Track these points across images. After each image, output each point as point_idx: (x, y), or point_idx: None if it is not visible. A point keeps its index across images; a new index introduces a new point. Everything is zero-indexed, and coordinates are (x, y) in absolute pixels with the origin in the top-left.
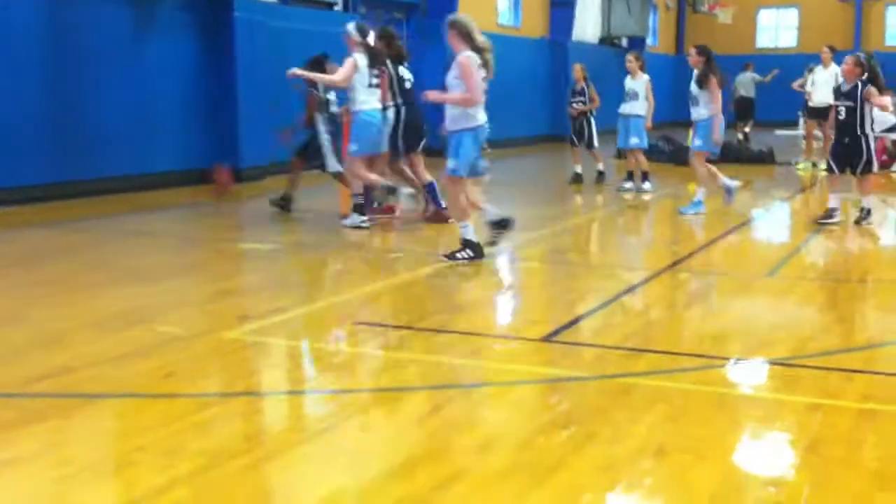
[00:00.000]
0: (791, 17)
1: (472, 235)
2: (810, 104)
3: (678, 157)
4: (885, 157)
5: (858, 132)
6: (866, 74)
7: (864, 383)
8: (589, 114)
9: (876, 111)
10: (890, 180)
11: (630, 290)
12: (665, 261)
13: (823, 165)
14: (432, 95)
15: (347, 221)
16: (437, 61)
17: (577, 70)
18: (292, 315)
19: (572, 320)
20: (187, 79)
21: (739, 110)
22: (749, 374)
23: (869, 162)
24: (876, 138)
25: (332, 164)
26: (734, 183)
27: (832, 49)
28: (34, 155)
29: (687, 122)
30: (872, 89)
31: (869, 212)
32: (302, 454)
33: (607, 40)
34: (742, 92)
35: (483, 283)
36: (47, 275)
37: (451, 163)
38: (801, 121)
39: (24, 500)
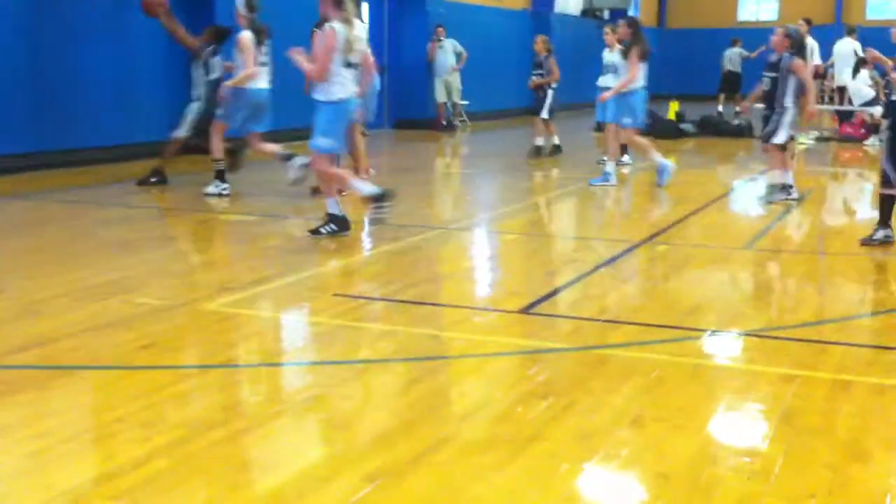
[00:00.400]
0: None
1: (335, 209)
2: None
3: (660, 129)
4: (862, 131)
5: (778, 103)
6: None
7: (839, 355)
8: (548, 86)
9: (858, 86)
10: (866, 154)
11: (608, 262)
12: (643, 233)
13: (802, 138)
14: (294, 54)
15: (210, 189)
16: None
17: (539, 42)
18: (272, 286)
19: (551, 292)
20: (168, 50)
21: (726, 84)
22: (725, 346)
23: (772, 132)
24: (854, 112)
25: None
26: (669, 163)
27: (808, 22)
28: (13, 124)
29: (668, 95)
30: (798, 61)
31: (783, 188)
32: (281, 425)
33: (590, 13)
34: (729, 67)
35: (462, 255)
36: (26, 245)
37: (313, 139)
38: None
39: (2, 473)
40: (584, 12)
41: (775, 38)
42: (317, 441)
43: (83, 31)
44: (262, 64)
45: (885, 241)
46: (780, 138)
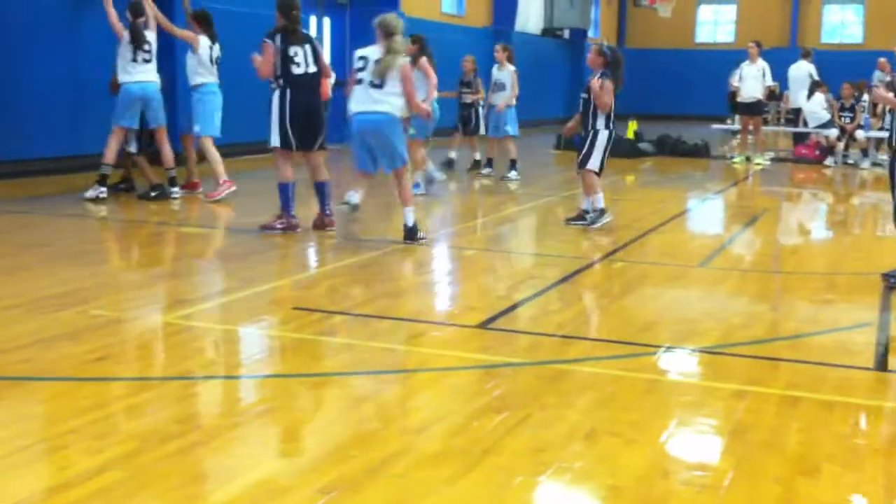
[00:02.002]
0: (730, 12)
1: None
2: (738, 99)
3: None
4: (816, 153)
5: (590, 126)
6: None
7: (790, 371)
8: (477, 104)
9: (813, 108)
10: (820, 175)
11: (566, 278)
12: (601, 251)
13: (758, 159)
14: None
15: (89, 193)
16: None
17: (467, 62)
18: (228, 299)
19: (509, 307)
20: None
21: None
22: (678, 362)
23: (586, 157)
24: (808, 134)
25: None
26: (439, 175)
27: (759, 44)
28: None
29: (626, 115)
30: (595, 82)
31: (598, 213)
32: (236, 438)
33: (550, 32)
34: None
35: (421, 270)
36: None
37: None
38: (737, 116)
39: None
40: (545, 31)
41: (589, 57)
42: (272, 453)
43: (35, 41)
44: (145, 61)
45: None
46: (593, 164)
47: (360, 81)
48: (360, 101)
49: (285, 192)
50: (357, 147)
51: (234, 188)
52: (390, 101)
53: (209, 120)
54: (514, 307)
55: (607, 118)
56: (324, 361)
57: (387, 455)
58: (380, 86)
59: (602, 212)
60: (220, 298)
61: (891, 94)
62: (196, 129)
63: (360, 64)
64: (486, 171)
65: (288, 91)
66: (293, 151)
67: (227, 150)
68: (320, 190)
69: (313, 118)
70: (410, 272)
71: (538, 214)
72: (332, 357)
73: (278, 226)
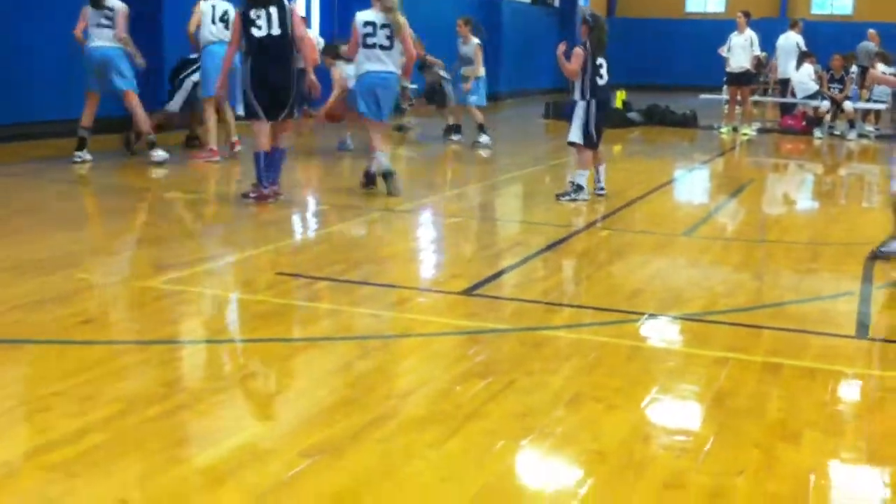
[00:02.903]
0: None
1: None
2: (727, 69)
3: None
4: (803, 124)
5: (572, 97)
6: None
7: (772, 339)
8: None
9: (801, 79)
10: (807, 146)
11: (551, 246)
12: (586, 218)
13: (745, 130)
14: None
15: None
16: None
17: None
18: (213, 265)
19: (494, 274)
20: None
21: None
22: (662, 329)
23: (570, 131)
24: (796, 105)
25: None
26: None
27: (747, 14)
28: None
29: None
30: (559, 49)
31: (573, 187)
32: (220, 401)
33: (540, 1)
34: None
35: (406, 236)
36: None
37: None
38: (725, 86)
39: None
40: (535, 1)
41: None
42: (255, 417)
43: (24, 2)
44: (98, 25)
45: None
46: (572, 136)
47: (370, 45)
48: (373, 60)
49: (257, 161)
50: (366, 97)
51: (216, 159)
52: (395, 61)
53: (206, 81)
54: (499, 274)
55: (583, 88)
56: (308, 327)
57: (370, 419)
58: (389, 48)
59: (577, 187)
60: (205, 264)
61: (889, 74)
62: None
63: (368, 29)
64: (455, 137)
65: (250, 57)
66: (262, 119)
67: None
68: (273, 156)
69: (278, 86)
70: (395, 239)
71: (524, 183)
72: (317, 322)
73: (252, 195)
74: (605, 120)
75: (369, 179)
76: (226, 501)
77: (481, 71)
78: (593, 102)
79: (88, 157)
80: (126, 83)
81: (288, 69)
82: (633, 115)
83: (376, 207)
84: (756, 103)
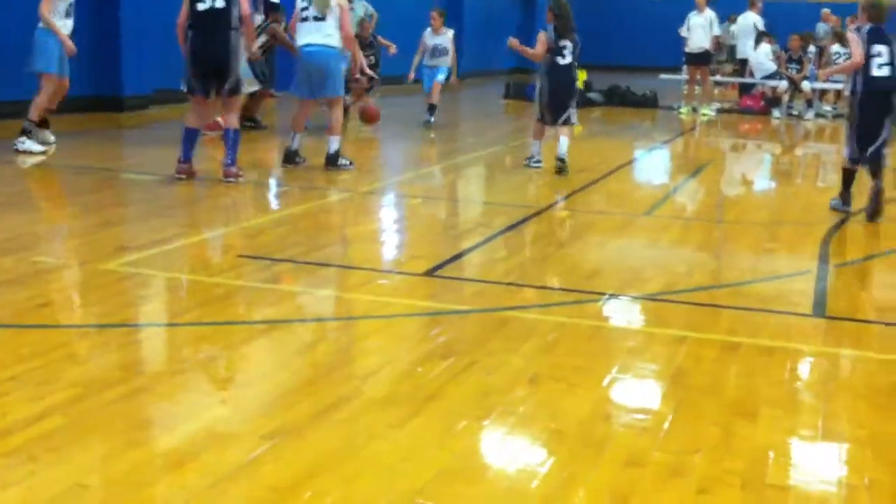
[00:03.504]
0: None
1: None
2: (686, 49)
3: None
4: (762, 104)
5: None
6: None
7: (730, 318)
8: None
9: (760, 59)
10: (765, 126)
11: (512, 226)
12: (547, 199)
13: (704, 110)
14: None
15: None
16: None
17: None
18: (173, 247)
19: (455, 255)
20: None
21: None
22: (621, 309)
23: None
24: (754, 85)
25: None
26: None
27: None
28: None
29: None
30: (539, 35)
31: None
32: (179, 384)
33: None
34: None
35: (368, 218)
36: None
37: None
38: (684, 66)
39: None
40: None
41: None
42: (215, 400)
43: None
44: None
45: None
46: (534, 110)
47: (305, 19)
48: (307, 33)
49: (183, 136)
50: (300, 74)
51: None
52: (332, 35)
53: None
54: (460, 255)
55: (541, 70)
56: (269, 309)
57: (332, 401)
58: (322, 19)
59: (530, 157)
60: (164, 245)
61: (843, 57)
62: None
63: (303, 4)
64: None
65: (191, 31)
66: (201, 96)
67: (177, 94)
68: (224, 138)
69: (216, 61)
70: (357, 220)
71: (486, 163)
72: (278, 304)
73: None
74: (567, 98)
75: (286, 158)
76: (185, 485)
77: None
78: (548, 80)
79: (25, 143)
80: (41, 65)
81: (226, 44)
82: (593, 95)
83: (338, 188)
84: (717, 83)
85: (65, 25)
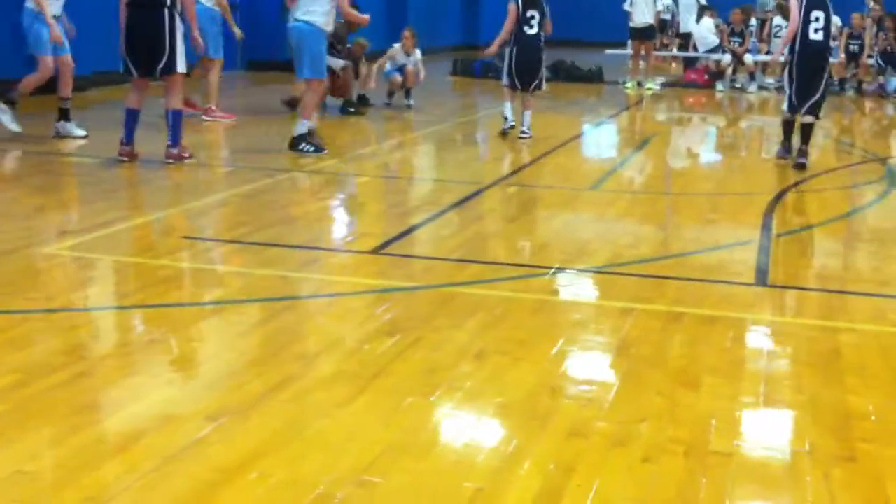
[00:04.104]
0: None
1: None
2: (630, 24)
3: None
4: (706, 77)
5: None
6: None
7: (675, 288)
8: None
9: (702, 33)
10: (709, 99)
11: (460, 203)
12: (495, 175)
13: (649, 84)
14: None
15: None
16: None
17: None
18: (116, 229)
19: (403, 232)
20: None
21: None
22: (568, 282)
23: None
24: (698, 59)
25: None
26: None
27: None
28: None
29: None
30: (509, 6)
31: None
32: (123, 368)
33: None
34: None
35: (315, 197)
36: None
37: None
38: (629, 41)
39: None
40: None
41: None
42: (160, 382)
43: None
44: None
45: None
46: (503, 77)
47: None
48: (298, 9)
49: (125, 118)
50: (293, 53)
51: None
52: (316, 11)
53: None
54: (408, 232)
55: (509, 41)
56: (214, 290)
57: (278, 381)
58: None
59: (504, 118)
60: (106, 228)
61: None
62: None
63: None
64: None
65: (127, 9)
66: (138, 76)
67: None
68: (166, 118)
69: (147, 38)
70: (304, 199)
71: (433, 141)
72: (223, 286)
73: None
74: (535, 66)
75: (293, 142)
76: (131, 468)
77: None
78: (516, 49)
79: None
80: (32, 47)
81: (159, 22)
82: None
83: (285, 168)
84: (665, 58)
85: (54, 5)
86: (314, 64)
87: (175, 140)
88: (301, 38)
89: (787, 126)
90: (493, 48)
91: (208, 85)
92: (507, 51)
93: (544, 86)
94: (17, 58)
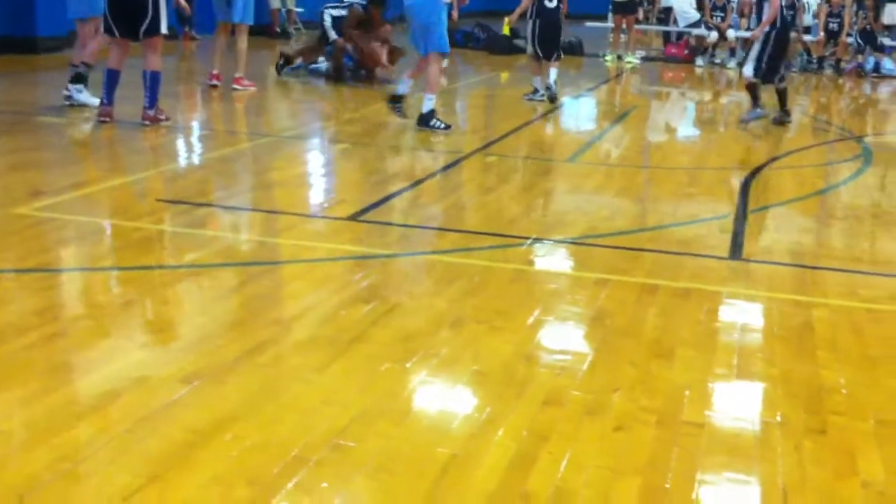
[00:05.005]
0: None
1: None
2: None
3: (493, 45)
4: (686, 52)
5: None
6: None
7: (650, 261)
8: None
9: (683, 7)
10: (690, 74)
11: (438, 171)
12: (474, 145)
13: (629, 58)
14: None
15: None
16: None
17: None
18: (91, 191)
19: (381, 200)
20: None
21: None
22: (545, 252)
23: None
24: (678, 34)
25: None
26: None
27: None
28: None
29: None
30: None
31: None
32: (98, 329)
33: None
34: None
35: (293, 163)
36: None
37: None
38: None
39: None
40: None
41: None
42: (134, 345)
43: None
44: None
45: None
46: (528, 49)
47: None
48: None
49: (105, 78)
50: (410, 27)
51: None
52: None
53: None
54: (385, 200)
55: (530, 14)
56: (189, 254)
57: (254, 345)
58: None
59: (534, 90)
60: (81, 190)
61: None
62: None
63: None
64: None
65: None
66: (120, 38)
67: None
68: (143, 79)
69: (131, 0)
70: (282, 165)
71: (414, 109)
72: (199, 249)
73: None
74: (556, 37)
75: (421, 120)
76: (104, 428)
77: None
78: (538, 22)
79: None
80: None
81: None
82: (519, 42)
83: (263, 133)
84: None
85: None
86: (439, 38)
87: (152, 102)
88: (422, 13)
89: (754, 89)
90: (514, 16)
91: (237, 52)
92: (530, 24)
93: (561, 55)
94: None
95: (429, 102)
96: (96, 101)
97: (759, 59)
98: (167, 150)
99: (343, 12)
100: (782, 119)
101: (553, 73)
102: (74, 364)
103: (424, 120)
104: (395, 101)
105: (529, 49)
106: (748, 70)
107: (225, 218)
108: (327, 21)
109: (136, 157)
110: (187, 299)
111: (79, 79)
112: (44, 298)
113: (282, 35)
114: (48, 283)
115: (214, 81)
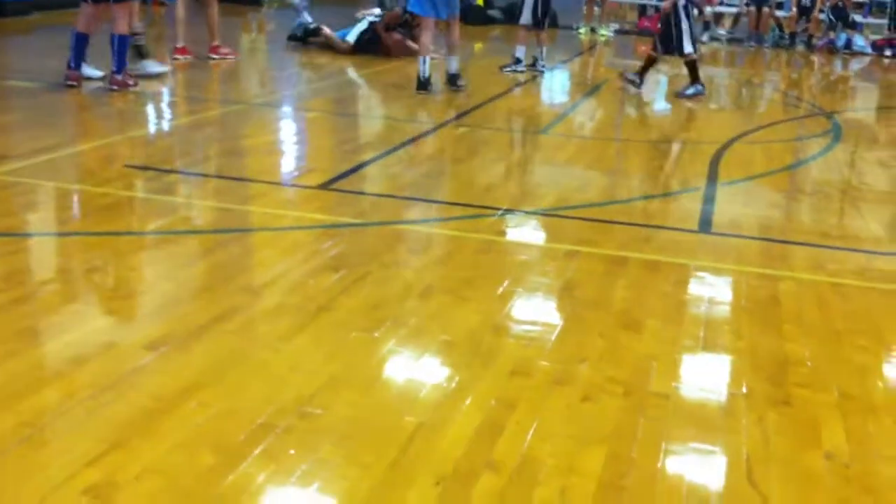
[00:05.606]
0: None
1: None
2: None
3: (466, 15)
4: (659, 26)
5: None
6: None
7: (620, 233)
8: None
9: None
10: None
11: (410, 141)
12: (445, 115)
13: (602, 31)
14: None
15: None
16: None
17: None
18: (57, 155)
19: (351, 169)
20: None
21: None
22: (515, 223)
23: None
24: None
25: None
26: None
27: None
28: None
29: None
30: None
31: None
32: (63, 295)
33: None
34: None
35: (263, 131)
36: None
37: None
38: None
39: None
40: None
41: None
42: (99, 310)
43: None
44: None
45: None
46: (523, 20)
47: None
48: None
49: (73, 42)
50: None
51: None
52: None
53: None
54: (356, 169)
55: None
56: (156, 220)
57: (220, 312)
58: None
59: (516, 60)
60: (47, 154)
61: None
62: None
63: None
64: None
65: None
66: (90, 3)
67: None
68: (111, 43)
69: None
70: (252, 132)
71: (384, 79)
72: (166, 216)
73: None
74: (549, 5)
75: (450, 80)
76: (68, 394)
77: None
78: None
79: None
80: None
81: None
82: (493, 13)
83: (233, 100)
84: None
85: None
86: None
87: (120, 67)
88: None
89: (694, 64)
90: None
91: (209, 21)
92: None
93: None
94: None
95: (455, 63)
96: (99, 73)
97: (691, 34)
98: (135, 115)
99: None
100: (633, 80)
101: (544, 50)
102: (39, 329)
103: (453, 80)
104: (455, 79)
105: (528, 19)
106: (687, 47)
107: (193, 185)
108: None
109: (103, 123)
110: (154, 266)
111: (140, 53)
112: (9, 263)
113: (253, 3)
114: (14, 248)
115: (179, 56)
